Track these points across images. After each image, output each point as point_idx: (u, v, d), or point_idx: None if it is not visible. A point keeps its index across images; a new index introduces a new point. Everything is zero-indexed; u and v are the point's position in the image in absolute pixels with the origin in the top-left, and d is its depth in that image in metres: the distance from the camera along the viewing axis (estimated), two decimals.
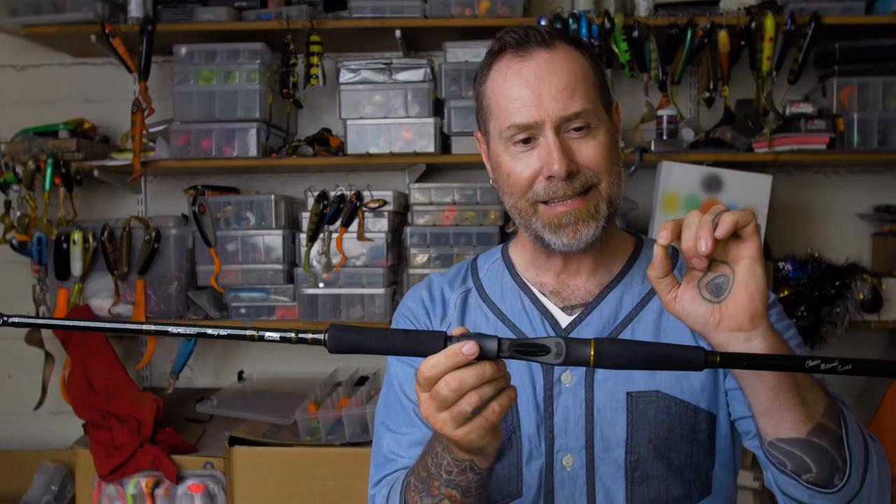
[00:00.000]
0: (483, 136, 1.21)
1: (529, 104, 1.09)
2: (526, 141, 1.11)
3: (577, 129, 1.10)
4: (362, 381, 2.74)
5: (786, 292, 2.51)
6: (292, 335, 0.83)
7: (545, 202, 1.11)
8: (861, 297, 2.52)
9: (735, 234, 0.89)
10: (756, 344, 0.90)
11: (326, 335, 0.84)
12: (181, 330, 0.82)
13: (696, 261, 0.90)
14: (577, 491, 1.14)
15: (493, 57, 1.15)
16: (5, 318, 0.83)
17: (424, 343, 0.86)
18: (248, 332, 0.82)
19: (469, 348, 0.83)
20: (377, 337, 0.87)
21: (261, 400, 2.60)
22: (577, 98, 1.09)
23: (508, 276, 1.24)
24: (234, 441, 2.27)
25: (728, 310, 0.90)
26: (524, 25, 1.14)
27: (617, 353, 0.84)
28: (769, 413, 0.93)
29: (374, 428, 1.27)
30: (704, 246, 0.87)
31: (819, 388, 0.94)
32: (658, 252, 0.93)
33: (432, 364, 0.84)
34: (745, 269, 0.89)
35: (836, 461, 0.93)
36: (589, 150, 1.10)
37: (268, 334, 0.82)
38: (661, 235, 0.91)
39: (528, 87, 1.09)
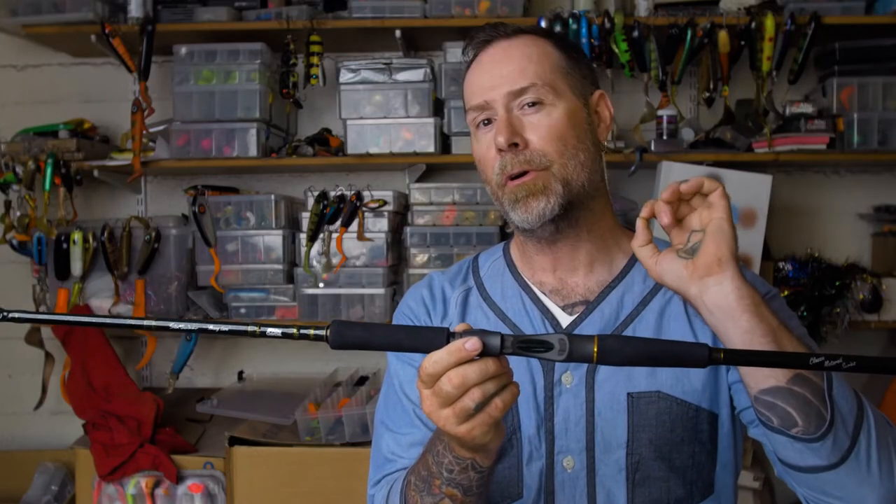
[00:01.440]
0: None
1: (485, 87, 1.14)
2: (487, 122, 1.15)
3: (531, 105, 1.12)
4: (362, 381, 2.74)
5: (786, 292, 2.51)
6: (294, 331, 0.82)
7: (510, 179, 1.13)
8: (861, 297, 2.52)
9: (707, 204, 0.99)
10: (726, 286, 0.96)
11: (329, 331, 0.84)
12: (182, 325, 0.82)
13: (663, 214, 0.99)
14: (577, 492, 1.13)
15: (470, 56, 1.21)
16: (5, 314, 0.82)
17: (427, 339, 0.85)
18: (250, 328, 0.82)
19: (472, 344, 0.83)
20: (379, 333, 0.86)
21: (261, 400, 2.59)
22: (527, 75, 1.12)
23: (509, 275, 1.24)
24: (234, 441, 2.27)
25: (699, 260, 0.98)
26: (496, 24, 1.20)
27: (620, 349, 0.84)
28: None
29: (373, 428, 1.27)
30: (667, 195, 0.98)
31: (802, 346, 0.98)
32: (639, 224, 1.02)
33: (435, 360, 0.84)
34: (714, 225, 0.98)
35: (821, 413, 0.93)
36: (542, 125, 1.11)
37: (270, 330, 0.82)
38: (643, 210, 1.01)
39: (483, 72, 1.16)
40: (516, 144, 1.10)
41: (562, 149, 1.11)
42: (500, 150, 1.11)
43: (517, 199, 1.12)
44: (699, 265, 0.98)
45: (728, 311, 0.96)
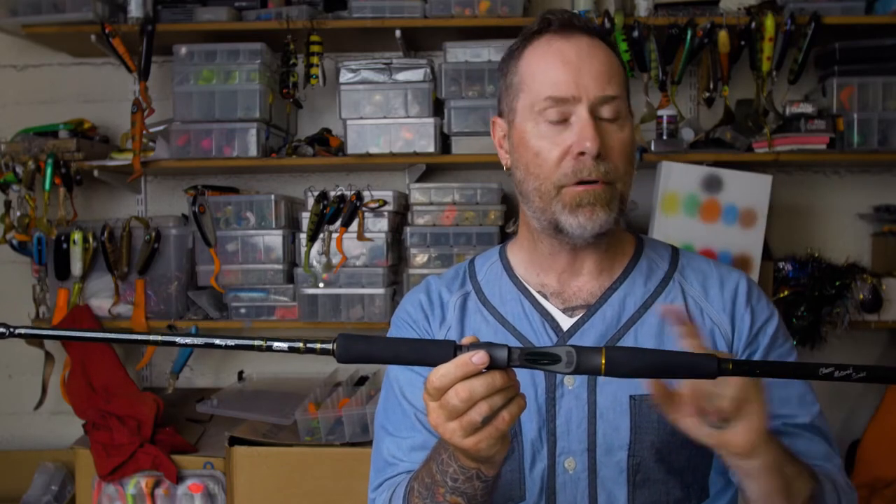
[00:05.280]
0: (505, 118, 1.19)
1: (569, 80, 1.09)
2: (556, 122, 1.10)
3: (609, 120, 1.10)
4: (362, 381, 2.74)
5: (786, 292, 2.51)
6: (301, 345, 0.82)
7: (571, 185, 1.10)
8: (861, 297, 2.52)
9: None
10: (754, 463, 0.92)
11: (335, 345, 0.84)
12: (188, 340, 0.81)
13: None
14: (578, 494, 1.13)
15: (532, 35, 1.16)
16: (11, 330, 0.81)
17: (434, 353, 0.85)
18: (257, 343, 0.81)
19: (480, 358, 0.83)
20: (385, 347, 0.86)
21: (261, 400, 2.59)
22: (613, 84, 1.10)
23: (507, 279, 1.23)
24: (234, 441, 2.27)
25: (727, 438, 0.90)
26: (573, 13, 1.16)
27: (628, 361, 0.84)
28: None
29: (373, 431, 1.27)
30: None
31: (807, 476, 0.99)
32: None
33: (442, 374, 0.84)
34: (751, 413, 0.89)
35: None
36: (618, 140, 1.11)
37: (276, 345, 0.81)
38: None
39: (569, 65, 1.10)
40: (599, 154, 1.08)
41: (626, 167, 1.12)
42: (580, 154, 1.08)
43: (581, 203, 1.09)
44: (726, 441, 0.90)
45: (746, 474, 0.95)
